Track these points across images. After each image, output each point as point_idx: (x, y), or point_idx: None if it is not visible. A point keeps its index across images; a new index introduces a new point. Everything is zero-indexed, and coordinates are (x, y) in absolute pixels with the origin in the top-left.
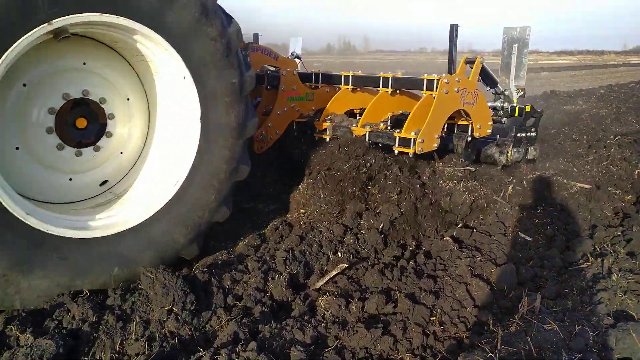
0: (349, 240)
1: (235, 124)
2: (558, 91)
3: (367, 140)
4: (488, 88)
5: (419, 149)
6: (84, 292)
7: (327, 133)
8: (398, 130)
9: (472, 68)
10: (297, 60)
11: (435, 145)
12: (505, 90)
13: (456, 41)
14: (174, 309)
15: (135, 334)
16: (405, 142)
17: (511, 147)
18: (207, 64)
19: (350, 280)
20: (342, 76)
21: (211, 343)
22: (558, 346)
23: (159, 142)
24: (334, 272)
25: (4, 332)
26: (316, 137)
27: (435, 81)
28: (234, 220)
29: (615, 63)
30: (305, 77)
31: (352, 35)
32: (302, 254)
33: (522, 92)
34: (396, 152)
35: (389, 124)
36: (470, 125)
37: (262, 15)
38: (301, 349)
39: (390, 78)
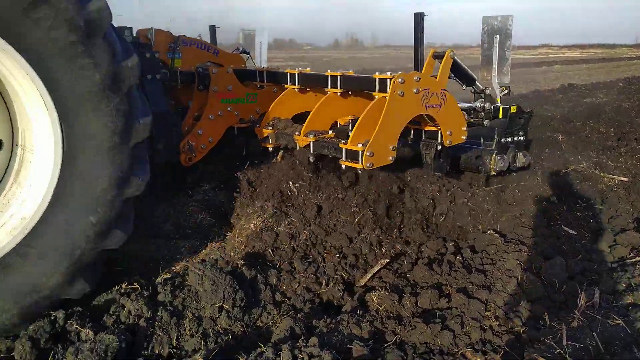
0: (392, 237)
1: (114, 126)
2: (576, 84)
3: (311, 151)
4: (464, 86)
5: (368, 164)
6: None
7: (270, 141)
8: (344, 141)
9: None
10: (244, 55)
11: (391, 158)
12: (486, 88)
13: (423, 32)
14: (224, 305)
15: (189, 330)
16: (352, 155)
17: (494, 154)
18: (53, 53)
19: (397, 275)
20: (288, 74)
21: (266, 339)
22: (627, 342)
23: (15, 156)
24: (376, 268)
25: (64, 327)
26: (262, 145)
27: (388, 81)
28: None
29: (629, 56)
30: (250, 76)
31: (359, 30)
32: (344, 250)
33: (506, 91)
34: (344, 166)
35: (350, 129)
36: (439, 132)
37: (266, 12)
38: (361, 344)
39: (338, 77)
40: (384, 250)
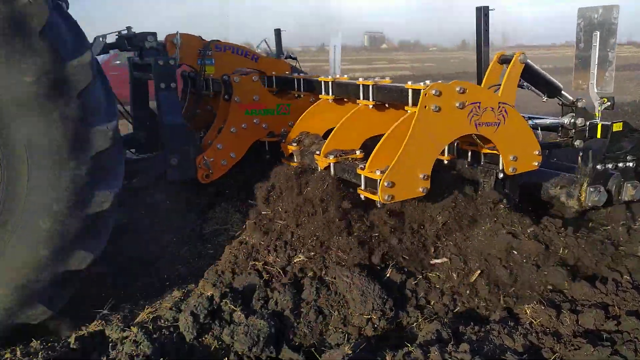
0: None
1: (61, 135)
2: None
3: (332, 174)
4: (545, 97)
5: (386, 197)
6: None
7: (295, 159)
8: (362, 166)
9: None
10: (290, 60)
11: (422, 189)
12: (577, 100)
13: (487, 31)
14: (372, 316)
15: (334, 328)
16: (372, 183)
17: (586, 184)
18: None
19: (551, 289)
20: (322, 83)
21: (409, 339)
22: None
23: None
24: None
25: (220, 305)
26: (285, 163)
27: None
28: None
29: None
30: (286, 84)
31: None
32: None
33: (608, 102)
34: (362, 197)
35: None
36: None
37: (386, 15)
38: (516, 357)
39: (370, 86)
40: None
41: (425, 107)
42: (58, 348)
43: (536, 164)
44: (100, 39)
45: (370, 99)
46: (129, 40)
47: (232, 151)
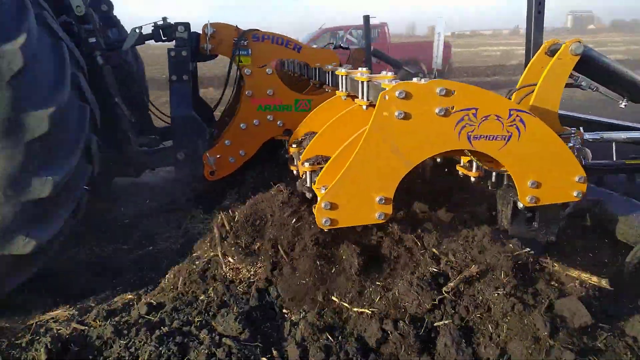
0: None
1: None
2: None
3: (307, 184)
4: (623, 102)
5: (323, 220)
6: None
7: (294, 163)
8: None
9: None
10: (341, 50)
11: (379, 215)
12: None
13: (540, 12)
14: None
15: None
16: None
17: None
18: None
19: None
20: (339, 77)
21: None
22: None
23: None
24: None
25: None
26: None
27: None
28: None
29: None
30: (324, 77)
31: None
32: None
33: None
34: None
35: None
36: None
37: None
38: None
39: (364, 83)
40: None
41: (386, 113)
42: (244, 300)
43: (576, 194)
44: (136, 30)
45: (365, 99)
46: (164, 31)
47: (242, 149)
